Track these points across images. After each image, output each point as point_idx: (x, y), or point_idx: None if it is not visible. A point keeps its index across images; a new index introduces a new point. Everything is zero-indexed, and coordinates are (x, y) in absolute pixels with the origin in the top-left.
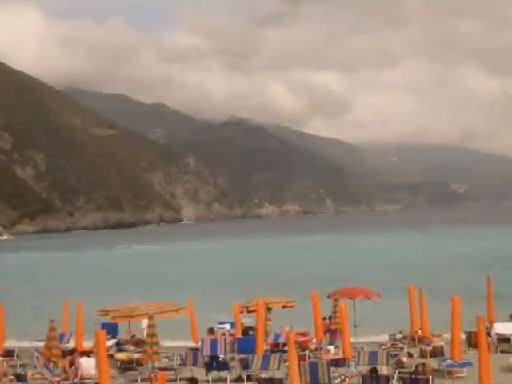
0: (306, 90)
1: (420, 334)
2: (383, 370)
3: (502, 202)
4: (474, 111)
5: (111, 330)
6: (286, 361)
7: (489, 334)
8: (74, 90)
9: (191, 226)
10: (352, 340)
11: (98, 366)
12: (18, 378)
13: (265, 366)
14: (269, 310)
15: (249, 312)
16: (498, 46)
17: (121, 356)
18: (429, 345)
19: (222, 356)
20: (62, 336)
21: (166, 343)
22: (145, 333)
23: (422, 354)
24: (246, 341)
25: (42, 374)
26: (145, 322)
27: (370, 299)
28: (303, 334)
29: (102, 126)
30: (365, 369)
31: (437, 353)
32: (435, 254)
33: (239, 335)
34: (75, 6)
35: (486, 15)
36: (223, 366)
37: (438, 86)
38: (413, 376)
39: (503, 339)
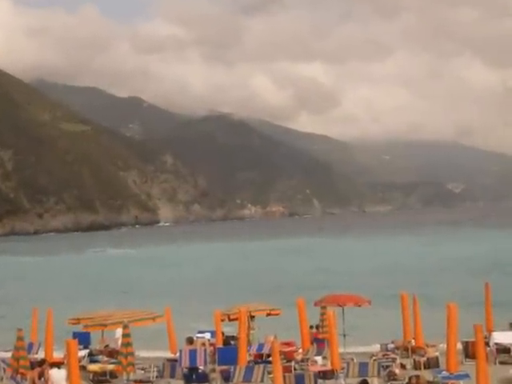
0: (291, 82)
1: (413, 343)
2: (374, 382)
3: (501, 203)
4: (470, 105)
5: (83, 339)
6: (270, 372)
7: (487, 344)
8: (43, 83)
9: (169, 228)
10: (341, 350)
11: (69, 377)
12: None
13: (247, 378)
14: (252, 318)
15: (230, 320)
16: (497, 36)
17: (93, 367)
18: (423, 355)
19: (201, 367)
20: (30, 346)
21: (141, 354)
22: (119, 342)
23: (416, 366)
24: (227, 351)
25: None
26: (119, 331)
27: (360, 307)
28: (288, 344)
29: (74, 121)
30: (354, 381)
31: (431, 364)
32: (430, 258)
33: (220, 345)
34: None
35: (483, 3)
36: (203, 378)
37: (433, 78)
38: None
39: (502, 349)
